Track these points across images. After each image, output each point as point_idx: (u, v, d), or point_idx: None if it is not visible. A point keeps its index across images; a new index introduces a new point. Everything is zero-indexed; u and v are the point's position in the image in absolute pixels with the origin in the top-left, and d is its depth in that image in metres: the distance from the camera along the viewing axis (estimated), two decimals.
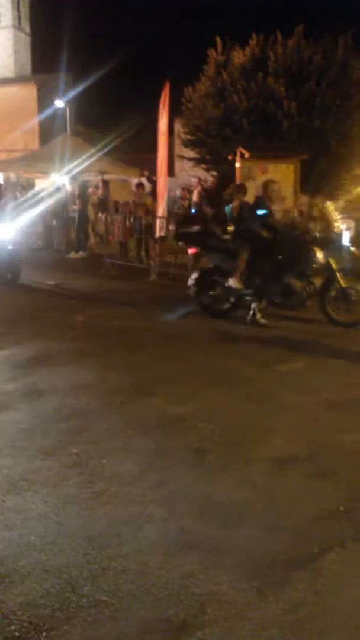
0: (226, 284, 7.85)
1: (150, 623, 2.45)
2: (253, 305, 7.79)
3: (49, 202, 16.06)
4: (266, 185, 8.20)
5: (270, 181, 8.40)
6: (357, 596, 2.61)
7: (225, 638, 2.37)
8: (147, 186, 15.42)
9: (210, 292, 8.06)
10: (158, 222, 11.98)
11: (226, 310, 8.09)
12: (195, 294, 8.11)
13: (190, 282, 8.15)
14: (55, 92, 31.29)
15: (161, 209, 12.12)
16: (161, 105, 12.23)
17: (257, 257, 7.76)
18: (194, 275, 8.18)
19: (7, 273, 10.47)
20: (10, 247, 10.50)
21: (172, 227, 11.82)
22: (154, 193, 13.36)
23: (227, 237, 8.62)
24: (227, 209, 10.49)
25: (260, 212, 7.79)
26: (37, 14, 40.74)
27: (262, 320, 7.71)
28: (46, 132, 31.39)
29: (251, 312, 7.80)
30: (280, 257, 7.68)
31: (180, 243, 9.03)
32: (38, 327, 7.50)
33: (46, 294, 9.77)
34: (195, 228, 8.40)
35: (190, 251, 9.38)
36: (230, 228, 9.04)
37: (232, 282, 7.75)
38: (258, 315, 7.75)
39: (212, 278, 8.06)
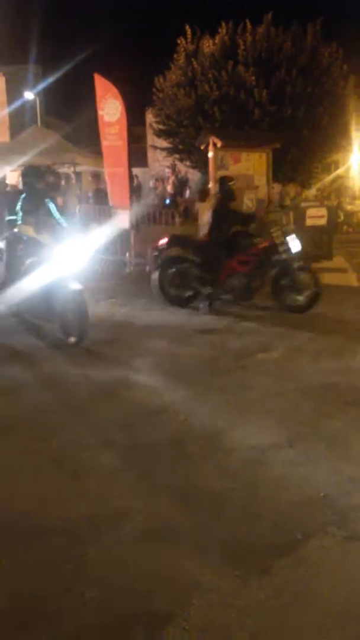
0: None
1: (137, 614, 2.46)
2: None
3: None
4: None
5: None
6: (340, 582, 2.66)
7: (210, 626, 2.40)
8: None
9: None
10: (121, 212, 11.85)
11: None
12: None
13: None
14: (25, 83, 30.88)
15: (121, 199, 11.97)
16: (97, 99, 12.30)
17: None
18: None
19: (72, 330, 6.40)
20: (75, 288, 6.36)
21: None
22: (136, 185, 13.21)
23: None
24: None
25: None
26: (4, 5, 40.01)
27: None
28: (16, 124, 30.94)
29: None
30: None
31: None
32: (15, 323, 7.42)
33: None
34: None
35: None
36: None
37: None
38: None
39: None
